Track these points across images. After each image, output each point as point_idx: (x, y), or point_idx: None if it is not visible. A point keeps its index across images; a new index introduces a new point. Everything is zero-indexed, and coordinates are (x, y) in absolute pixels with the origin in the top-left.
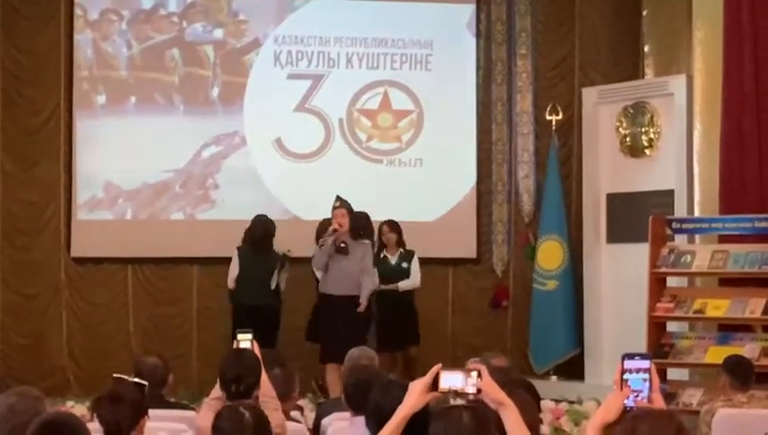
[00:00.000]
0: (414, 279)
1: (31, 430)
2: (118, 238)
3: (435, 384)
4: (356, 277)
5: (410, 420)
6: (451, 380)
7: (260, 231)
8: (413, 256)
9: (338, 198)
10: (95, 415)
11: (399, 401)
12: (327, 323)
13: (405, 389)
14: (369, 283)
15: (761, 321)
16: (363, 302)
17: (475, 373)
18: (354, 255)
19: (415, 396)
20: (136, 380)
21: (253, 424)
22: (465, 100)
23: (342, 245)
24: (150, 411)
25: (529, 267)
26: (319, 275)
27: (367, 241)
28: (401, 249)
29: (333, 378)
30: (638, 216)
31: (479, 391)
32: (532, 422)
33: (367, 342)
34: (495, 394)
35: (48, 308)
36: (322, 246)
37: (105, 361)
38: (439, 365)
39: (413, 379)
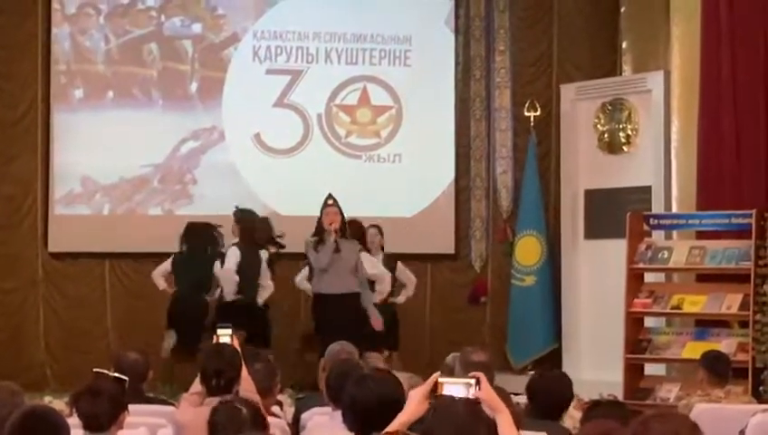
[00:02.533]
0: (409, 290)
1: (11, 422)
2: (95, 233)
3: (434, 392)
4: (348, 275)
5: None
6: (453, 390)
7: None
8: (396, 263)
9: (330, 196)
10: (74, 409)
11: (374, 395)
12: (323, 321)
13: (380, 382)
14: (370, 297)
15: (738, 316)
16: (376, 320)
17: (474, 381)
18: (345, 253)
19: (414, 404)
20: (116, 375)
21: (249, 419)
22: (444, 95)
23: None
24: (130, 406)
25: (507, 263)
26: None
27: (355, 241)
28: (383, 252)
29: None
30: (615, 212)
31: (478, 399)
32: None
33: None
34: (492, 401)
35: (25, 303)
36: (317, 246)
37: (82, 355)
38: (438, 373)
39: None
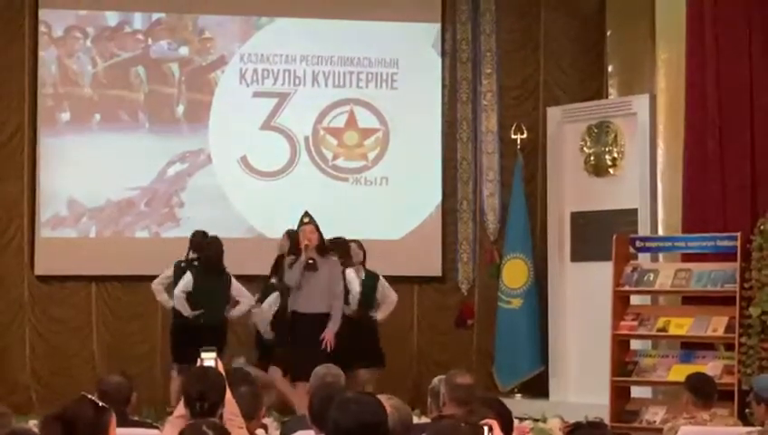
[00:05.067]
0: (384, 310)
1: None
2: (82, 256)
3: None
4: (325, 294)
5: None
6: None
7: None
8: (377, 279)
9: (306, 213)
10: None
11: (357, 418)
12: (298, 340)
13: (363, 405)
14: (339, 311)
15: (723, 339)
16: (328, 335)
17: (486, 429)
18: (323, 271)
19: None
20: (94, 400)
21: None
22: (431, 118)
23: (311, 261)
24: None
25: (494, 286)
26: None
27: (335, 257)
28: (364, 269)
29: (302, 396)
30: (602, 234)
31: (490, 427)
32: None
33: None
34: None
35: (11, 326)
36: (292, 264)
37: (68, 378)
38: None
39: None
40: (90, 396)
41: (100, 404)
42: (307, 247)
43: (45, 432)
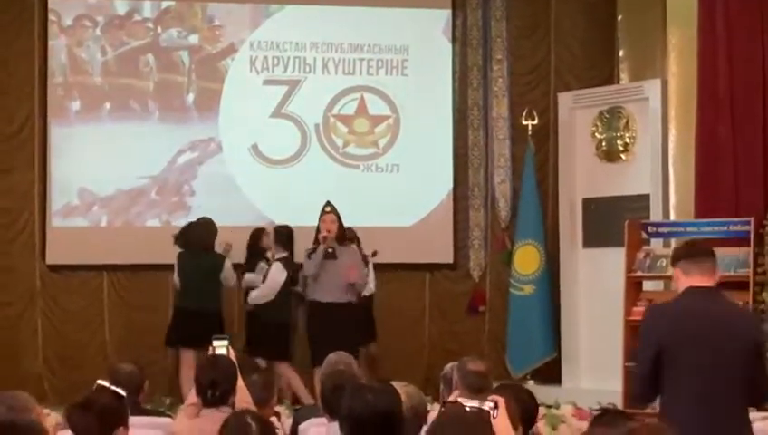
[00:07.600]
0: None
1: None
2: (93, 245)
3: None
4: (343, 283)
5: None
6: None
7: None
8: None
9: (328, 203)
10: (67, 423)
11: (372, 406)
12: (319, 328)
13: (378, 392)
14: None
15: None
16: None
17: (491, 404)
18: (342, 259)
19: None
20: (113, 388)
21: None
22: (442, 105)
23: (330, 250)
24: None
25: (506, 272)
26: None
27: (354, 245)
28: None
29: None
30: (614, 220)
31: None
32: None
33: (360, 345)
34: (506, 430)
35: (23, 316)
36: (311, 254)
37: (80, 368)
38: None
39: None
40: (106, 384)
41: (118, 391)
42: (326, 238)
43: (71, 421)
